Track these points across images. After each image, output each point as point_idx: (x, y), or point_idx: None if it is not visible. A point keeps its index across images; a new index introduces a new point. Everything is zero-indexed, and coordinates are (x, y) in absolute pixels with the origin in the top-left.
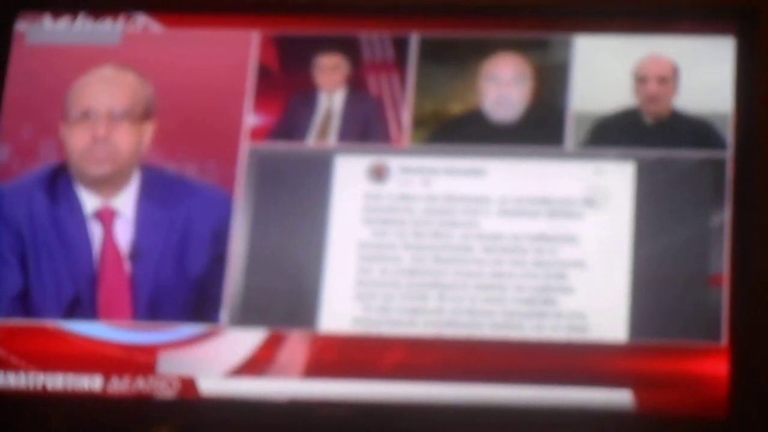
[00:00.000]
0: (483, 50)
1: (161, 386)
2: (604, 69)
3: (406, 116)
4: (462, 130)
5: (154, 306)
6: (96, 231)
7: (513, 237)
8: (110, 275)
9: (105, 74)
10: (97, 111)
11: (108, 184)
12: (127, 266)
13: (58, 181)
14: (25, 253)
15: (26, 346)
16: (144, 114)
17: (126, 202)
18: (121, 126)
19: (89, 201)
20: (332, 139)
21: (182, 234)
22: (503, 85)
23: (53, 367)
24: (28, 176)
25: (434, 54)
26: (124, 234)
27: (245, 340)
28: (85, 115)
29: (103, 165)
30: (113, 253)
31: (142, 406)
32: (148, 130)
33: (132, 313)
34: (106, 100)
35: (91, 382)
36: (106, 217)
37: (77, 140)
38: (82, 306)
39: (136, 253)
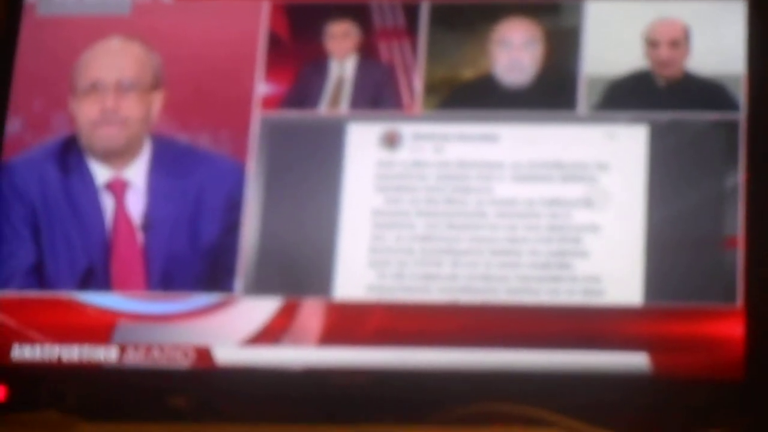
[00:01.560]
0: (494, 15)
1: (177, 356)
2: (615, 32)
3: (418, 83)
4: (473, 96)
5: (167, 276)
6: (108, 202)
7: (527, 202)
8: (123, 246)
9: (111, 46)
10: (104, 82)
11: (119, 155)
12: (139, 237)
13: (70, 153)
14: (38, 225)
15: (41, 318)
16: (153, 84)
17: (137, 172)
18: (130, 96)
19: (100, 173)
20: (344, 107)
21: (195, 203)
22: (514, 50)
23: (68, 338)
24: (38, 148)
25: (445, 20)
26: (136, 204)
27: (260, 309)
28: (93, 87)
29: (113, 136)
30: (125, 223)
31: (157, 377)
32: (158, 99)
33: (145, 284)
34: (114, 71)
35: (106, 353)
36: (118, 188)
37: (86, 112)
38: (96, 277)
39: (148, 224)
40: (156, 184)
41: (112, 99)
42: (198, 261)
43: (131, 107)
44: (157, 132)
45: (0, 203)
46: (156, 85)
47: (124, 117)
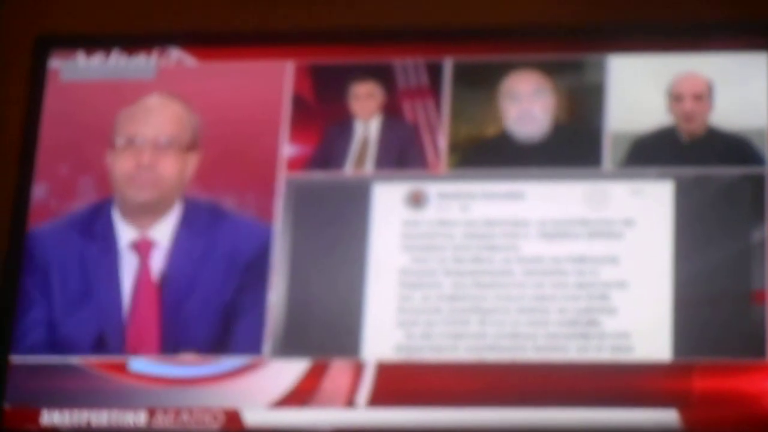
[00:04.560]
0: (507, 71)
1: (206, 419)
2: (638, 88)
3: (443, 141)
4: (494, 152)
5: (180, 337)
6: (132, 262)
7: (553, 259)
8: (143, 306)
9: (152, 102)
10: (143, 138)
11: (149, 212)
12: (158, 298)
13: (98, 216)
14: (52, 292)
15: (68, 383)
16: (190, 144)
17: (164, 231)
18: (167, 155)
19: (126, 233)
20: (369, 167)
21: (214, 265)
22: (524, 101)
23: (96, 404)
24: (67, 215)
25: (468, 78)
26: (158, 264)
27: (288, 371)
28: (131, 142)
29: (146, 191)
30: (147, 283)
31: None
32: (193, 160)
33: (160, 345)
34: (152, 128)
35: (135, 418)
36: (144, 248)
37: (122, 166)
38: (109, 344)
39: (166, 284)
40: (180, 244)
41: (148, 155)
42: (210, 321)
43: (167, 166)
44: (189, 193)
45: (24, 271)
46: (193, 146)
47: (159, 175)
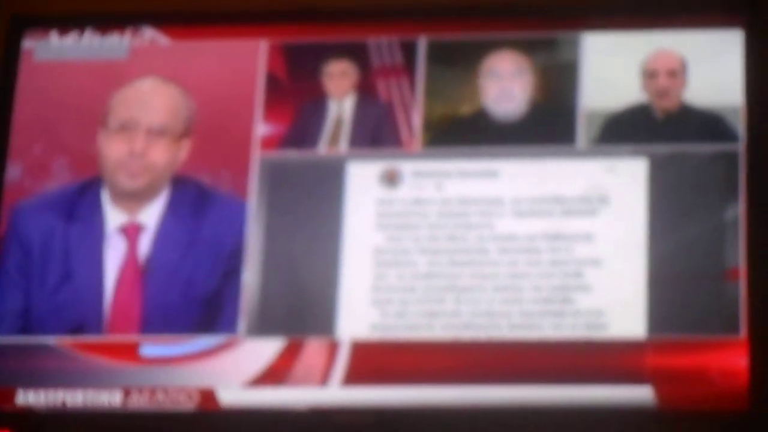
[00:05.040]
0: (486, 49)
1: (181, 399)
2: (612, 66)
3: (417, 120)
4: (470, 131)
5: (161, 321)
6: (120, 246)
7: (528, 237)
8: (125, 291)
9: (148, 87)
10: (136, 124)
11: (138, 197)
12: (142, 282)
13: (86, 196)
14: (30, 272)
15: (43, 363)
16: (183, 131)
17: (152, 215)
18: (160, 142)
19: (115, 216)
20: (343, 146)
21: (200, 249)
22: (504, 80)
23: (72, 384)
24: (51, 192)
25: (442, 56)
26: (144, 248)
27: (263, 350)
28: (124, 127)
29: (137, 179)
30: (133, 269)
31: (162, 420)
32: (185, 146)
33: (140, 328)
34: (147, 113)
35: (110, 398)
36: (132, 232)
37: (113, 150)
38: (87, 328)
39: (149, 268)
40: (166, 228)
41: (141, 141)
42: (193, 308)
43: (159, 153)
44: (177, 175)
45: (3, 246)
46: (186, 132)
47: (150, 162)
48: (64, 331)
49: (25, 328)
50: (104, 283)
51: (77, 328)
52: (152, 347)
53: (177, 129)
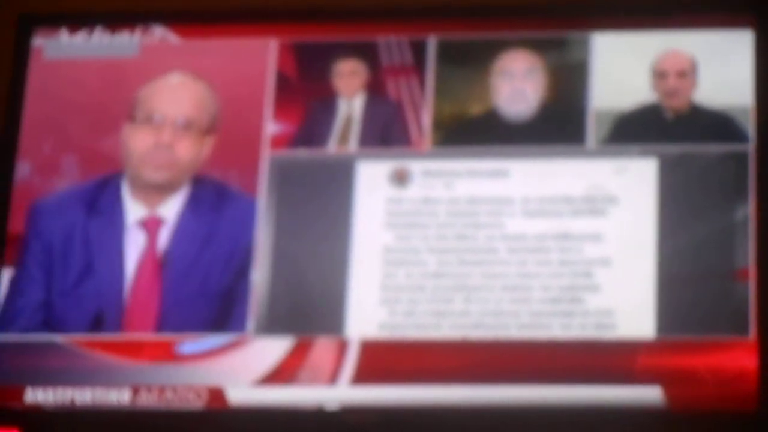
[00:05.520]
0: (497, 49)
1: (190, 397)
2: (622, 66)
3: (427, 119)
4: (480, 130)
5: (177, 318)
6: (140, 240)
7: (537, 237)
8: (144, 285)
9: (176, 81)
10: (163, 116)
11: (160, 191)
12: (161, 276)
13: (106, 190)
14: (52, 268)
15: (53, 361)
16: (208, 127)
17: (171, 209)
18: (186, 136)
19: (135, 210)
20: (353, 145)
21: (217, 247)
22: (516, 80)
23: (81, 382)
24: (71, 188)
25: (452, 56)
26: (163, 242)
27: (272, 349)
28: (150, 120)
29: (162, 171)
30: (152, 263)
31: (171, 419)
32: (209, 143)
33: (157, 325)
34: (175, 107)
35: (119, 396)
36: (152, 225)
37: (139, 143)
38: (107, 321)
39: (168, 262)
40: (185, 223)
41: (168, 134)
42: (208, 303)
43: (185, 148)
44: (200, 172)
45: (22, 244)
46: (210, 129)
47: (176, 156)
48: (85, 324)
49: (47, 322)
50: (124, 276)
51: (98, 321)
52: (190, 345)
53: (203, 124)
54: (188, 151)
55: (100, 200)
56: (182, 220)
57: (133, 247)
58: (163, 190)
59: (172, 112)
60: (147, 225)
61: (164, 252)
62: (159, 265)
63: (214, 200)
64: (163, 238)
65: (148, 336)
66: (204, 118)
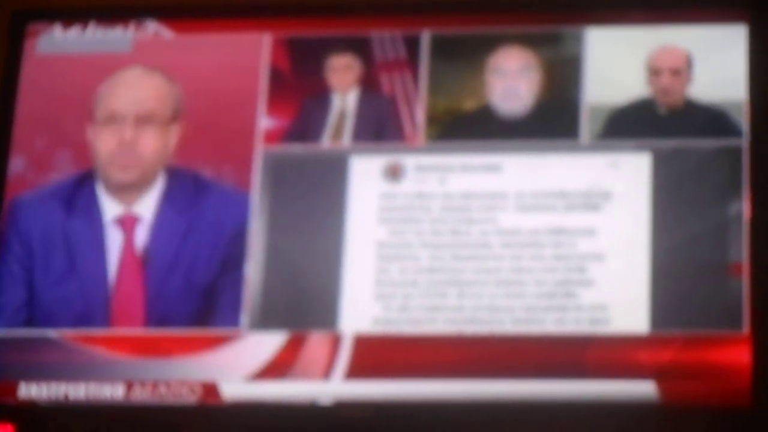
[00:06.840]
0: (491, 44)
1: (183, 392)
2: (616, 61)
3: (420, 114)
4: (474, 126)
5: (163, 312)
6: (116, 238)
7: (531, 231)
8: (127, 281)
9: (131, 76)
10: (123, 114)
11: (132, 188)
12: (143, 273)
13: (81, 189)
14: (32, 267)
15: (46, 356)
16: (172, 116)
17: (148, 205)
18: (148, 130)
19: (111, 207)
20: (347, 140)
21: (198, 239)
22: (509, 78)
23: (74, 377)
24: (49, 186)
25: (446, 51)
26: (142, 239)
27: (266, 344)
28: (112, 119)
29: (129, 171)
30: (132, 259)
31: (165, 413)
32: (175, 132)
33: (144, 320)
34: (133, 103)
35: (113, 391)
36: (128, 223)
37: (104, 144)
38: (93, 317)
39: (149, 259)
40: (163, 218)
41: (130, 131)
42: (194, 296)
43: (149, 141)
44: (172, 163)
45: (2, 242)
46: (175, 117)
47: (141, 152)
48: (69, 322)
49: (30, 321)
50: (107, 274)
51: (83, 319)
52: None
53: (165, 115)
54: (153, 144)
55: (78, 198)
56: (159, 215)
57: (112, 245)
58: (136, 187)
59: (130, 107)
60: (123, 223)
61: (144, 249)
62: (140, 262)
63: (191, 192)
64: (142, 234)
65: (141, 331)
66: (165, 108)
